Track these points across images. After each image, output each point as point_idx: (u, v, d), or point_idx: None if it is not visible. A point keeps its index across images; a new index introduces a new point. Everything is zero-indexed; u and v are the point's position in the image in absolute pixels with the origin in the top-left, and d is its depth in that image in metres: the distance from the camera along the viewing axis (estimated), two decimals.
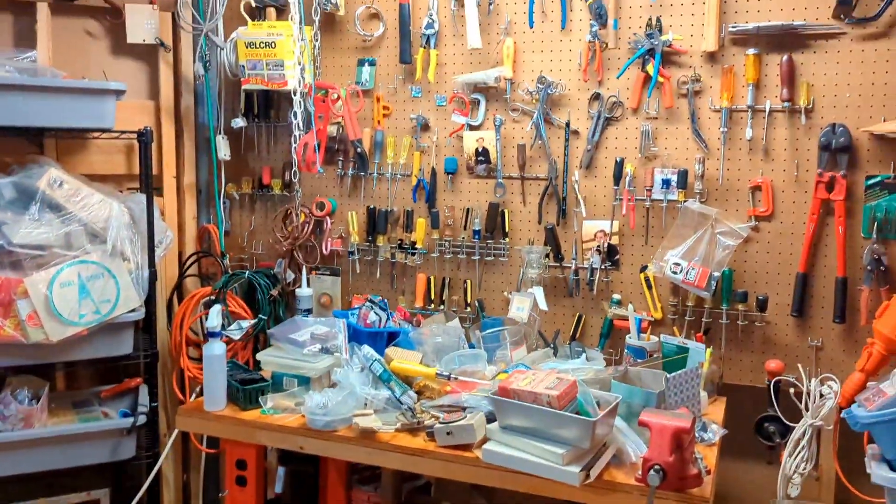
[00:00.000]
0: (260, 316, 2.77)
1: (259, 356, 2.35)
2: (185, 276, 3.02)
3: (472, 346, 2.49)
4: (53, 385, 2.70)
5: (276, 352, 2.36)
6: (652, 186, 2.46)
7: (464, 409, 2.07)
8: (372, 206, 2.86)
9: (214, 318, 2.25)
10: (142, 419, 2.53)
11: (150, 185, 2.63)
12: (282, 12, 2.92)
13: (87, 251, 2.45)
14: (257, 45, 2.73)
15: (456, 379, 2.21)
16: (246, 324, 2.69)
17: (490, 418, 1.99)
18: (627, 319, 2.44)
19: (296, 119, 2.78)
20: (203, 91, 3.02)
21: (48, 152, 2.75)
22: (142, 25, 2.89)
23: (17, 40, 2.79)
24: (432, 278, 2.80)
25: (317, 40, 2.85)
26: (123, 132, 2.64)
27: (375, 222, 2.85)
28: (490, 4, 2.65)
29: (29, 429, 2.38)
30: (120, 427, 2.49)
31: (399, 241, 2.83)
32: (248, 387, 2.22)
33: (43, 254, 2.37)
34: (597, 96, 2.53)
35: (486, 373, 2.29)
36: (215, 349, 2.22)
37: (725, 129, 2.37)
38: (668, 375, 2.01)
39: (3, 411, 2.34)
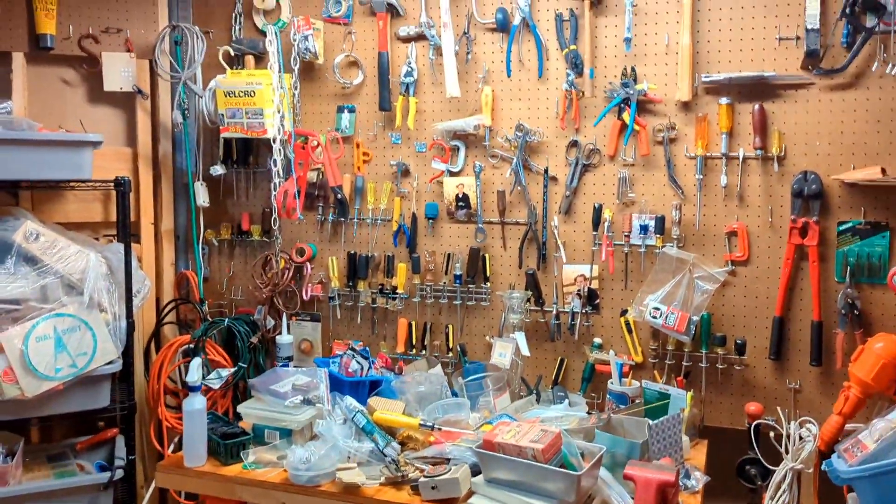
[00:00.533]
0: (240, 364, 2.75)
1: (240, 409, 2.32)
2: (163, 324, 2.99)
3: (454, 394, 2.49)
4: (28, 438, 2.64)
5: (257, 404, 2.34)
6: (630, 232, 2.50)
7: (448, 460, 2.06)
8: (352, 252, 2.87)
9: (195, 372, 2.22)
10: (119, 473, 2.48)
11: (127, 235, 2.61)
12: (260, 60, 2.94)
13: (63, 304, 2.42)
14: (236, 94, 2.74)
15: (439, 429, 2.21)
16: (225, 372, 2.66)
17: (475, 470, 1.98)
18: (609, 364, 2.46)
19: (275, 166, 2.79)
20: (181, 138, 3.01)
21: (23, 203, 2.73)
22: (119, 73, 2.90)
23: None
24: (414, 323, 2.80)
25: (296, 88, 2.86)
26: (101, 182, 2.62)
27: (356, 267, 2.85)
28: (468, 54, 2.69)
29: (3, 487, 2.32)
30: (97, 482, 2.45)
31: (380, 286, 2.83)
32: (229, 441, 2.19)
33: (18, 308, 2.34)
34: (574, 143, 2.57)
35: (469, 421, 2.28)
36: (196, 404, 2.19)
37: (701, 176, 2.41)
38: (651, 423, 2.03)
39: None
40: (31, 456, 2.55)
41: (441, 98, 2.74)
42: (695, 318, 2.39)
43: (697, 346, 2.44)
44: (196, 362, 2.26)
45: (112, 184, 2.64)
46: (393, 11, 2.77)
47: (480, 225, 2.70)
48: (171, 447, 2.74)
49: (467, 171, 2.72)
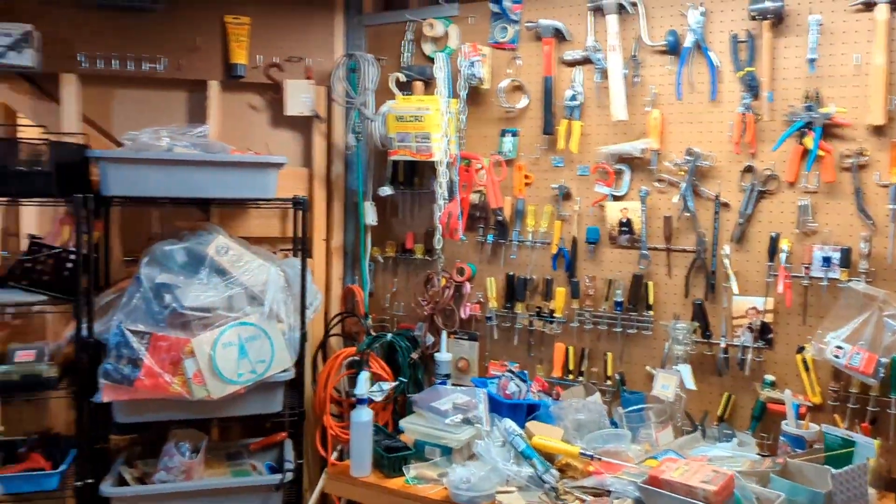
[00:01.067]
0: (400, 378, 2.85)
1: (403, 423, 2.40)
2: (330, 335, 3.16)
3: (613, 423, 2.44)
4: (209, 437, 2.86)
5: (419, 419, 2.41)
6: (810, 264, 2.34)
7: (609, 492, 2.02)
8: (511, 273, 2.89)
9: (363, 386, 2.33)
10: (289, 476, 2.63)
11: (305, 251, 2.77)
12: (428, 85, 3.04)
13: (246, 313, 2.60)
14: (406, 119, 2.86)
15: (599, 459, 2.17)
16: (387, 386, 2.75)
17: None
18: (782, 403, 2.31)
19: (440, 188, 2.87)
20: (353, 159, 3.18)
21: (213, 218, 2.99)
22: (299, 99, 3.10)
23: (190, 115, 3.07)
24: (571, 348, 2.78)
25: (463, 113, 2.93)
26: (281, 200, 2.80)
27: (514, 289, 2.87)
28: (635, 77, 2.65)
29: (188, 481, 2.53)
30: (269, 483, 2.60)
31: (537, 309, 2.83)
32: (392, 455, 2.27)
33: (208, 315, 2.54)
34: (749, 169, 2.45)
35: (630, 454, 2.23)
36: (363, 416, 2.29)
37: (895, 206, 2.23)
38: (834, 472, 1.88)
39: (167, 463, 2.50)
40: (211, 453, 2.75)
41: (605, 121, 2.71)
42: (884, 359, 2.19)
43: (886, 390, 2.24)
44: (364, 375, 2.37)
45: (291, 202, 2.82)
46: (559, 36, 2.79)
47: (644, 251, 2.63)
48: (335, 454, 2.88)
49: (631, 195, 2.67)
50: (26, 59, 2.66)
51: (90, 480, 2.45)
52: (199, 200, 2.85)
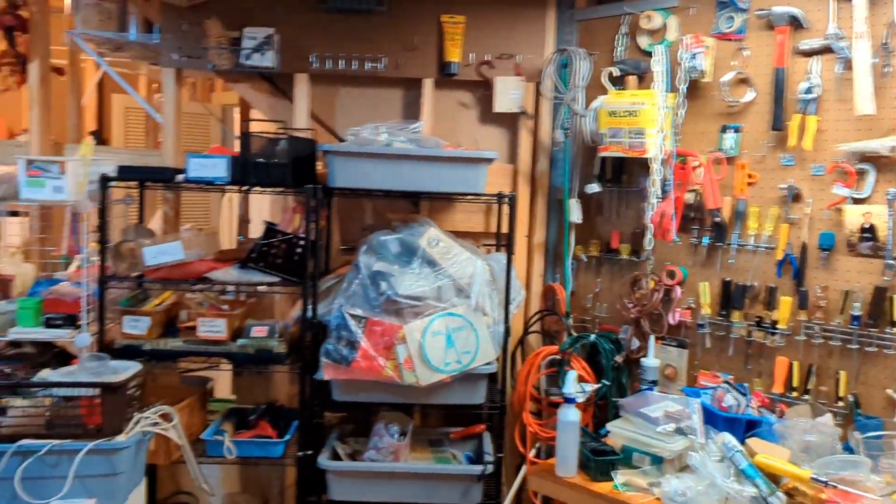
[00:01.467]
0: (603, 381, 2.77)
1: (609, 426, 2.33)
2: (529, 332, 3.15)
3: (847, 448, 2.21)
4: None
5: (627, 425, 2.33)
6: None
7: None
8: (728, 279, 2.71)
9: (571, 385, 2.29)
10: (489, 468, 2.65)
11: (511, 246, 2.78)
12: (641, 80, 2.93)
13: (453, 304, 2.66)
14: (619, 114, 2.77)
15: (835, 487, 1.97)
16: (589, 387, 2.70)
17: None
18: None
19: (653, 186, 2.75)
20: (558, 156, 3.15)
21: (422, 211, 3.08)
22: (508, 96, 3.12)
23: (405, 111, 3.20)
24: (796, 363, 2.54)
25: (682, 107, 2.79)
26: (488, 195, 2.82)
27: (731, 296, 2.69)
28: (885, 67, 2.37)
29: (396, 461, 2.63)
30: (471, 473, 2.64)
31: (757, 319, 2.63)
32: (600, 458, 2.21)
33: (419, 304, 2.62)
34: None
35: (870, 484, 2.00)
36: (570, 415, 2.26)
37: None
38: None
39: (377, 443, 2.62)
40: (414, 438, 2.84)
41: (846, 116, 2.45)
42: None
43: None
44: (573, 374, 2.33)
45: (497, 198, 2.84)
46: (795, 24, 2.57)
47: (890, 261, 2.35)
48: (532, 451, 2.86)
49: (876, 198, 2.39)
50: (267, 60, 2.90)
51: (310, 452, 2.62)
52: (412, 193, 2.95)
